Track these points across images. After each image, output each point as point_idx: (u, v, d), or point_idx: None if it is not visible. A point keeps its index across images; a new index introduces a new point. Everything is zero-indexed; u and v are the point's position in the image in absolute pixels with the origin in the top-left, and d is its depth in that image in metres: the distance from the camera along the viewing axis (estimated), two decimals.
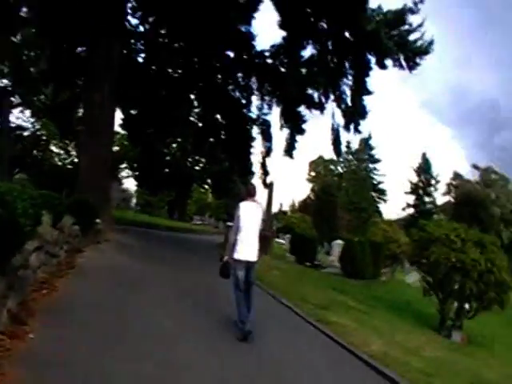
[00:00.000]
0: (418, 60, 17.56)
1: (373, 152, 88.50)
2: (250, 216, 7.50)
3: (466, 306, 14.78)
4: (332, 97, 19.88)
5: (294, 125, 22.10)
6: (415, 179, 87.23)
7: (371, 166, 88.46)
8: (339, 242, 30.21)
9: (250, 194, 7.81)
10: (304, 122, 22.10)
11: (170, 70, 24.20)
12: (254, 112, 24.65)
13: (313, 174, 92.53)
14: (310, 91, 21.22)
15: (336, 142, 19.35)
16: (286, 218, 56.18)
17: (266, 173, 23.81)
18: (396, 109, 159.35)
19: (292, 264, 24.11)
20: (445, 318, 14.88)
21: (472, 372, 8.64)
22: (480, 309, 14.68)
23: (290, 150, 22.54)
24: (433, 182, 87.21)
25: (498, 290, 14.23)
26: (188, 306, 8.95)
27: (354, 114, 18.78)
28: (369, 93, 18.79)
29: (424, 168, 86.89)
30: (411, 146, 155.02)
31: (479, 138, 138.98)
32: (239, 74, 23.71)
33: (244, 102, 24.17)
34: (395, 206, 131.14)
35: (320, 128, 26.78)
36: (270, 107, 23.59)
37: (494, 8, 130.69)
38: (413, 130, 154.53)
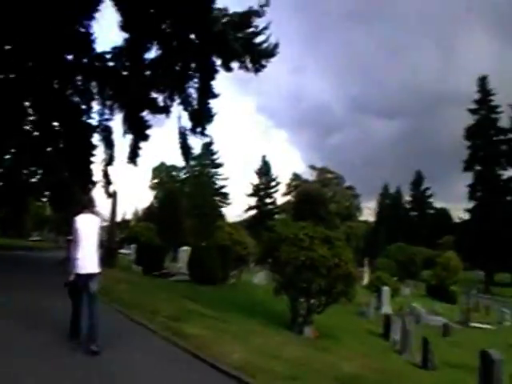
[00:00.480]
0: (263, 62, 17.53)
1: (215, 156, 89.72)
2: (87, 228, 7.48)
3: (313, 301, 15.12)
4: (178, 100, 19.04)
5: (138, 131, 20.97)
6: (256, 181, 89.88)
7: (213, 170, 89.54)
8: (186, 248, 29.82)
9: (85, 206, 7.86)
10: (148, 127, 21.12)
11: (0, 76, 21.72)
12: (94, 118, 23.05)
13: (155, 180, 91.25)
14: (154, 95, 20.23)
15: (184, 146, 18.54)
16: (130, 227, 54.35)
17: (108, 182, 22.48)
18: (235, 113, 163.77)
19: (139, 275, 23.11)
20: (296, 315, 15.09)
21: (333, 367, 8.65)
22: (328, 302, 15.14)
23: (133, 157, 21.43)
24: (273, 183, 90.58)
25: (345, 282, 14.75)
26: (25, 330, 8.08)
27: (201, 117, 18.11)
28: (214, 96, 18.29)
29: (264, 170, 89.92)
30: (252, 150, 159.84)
31: (313, 140, 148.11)
32: (78, 78, 21.92)
33: (84, 107, 22.41)
34: (238, 208, 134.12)
35: (165, 133, 25.76)
36: (111, 113, 22.00)
37: (326, 19, 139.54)
38: (252, 133, 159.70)
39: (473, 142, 79.00)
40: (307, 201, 60.40)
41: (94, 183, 24.09)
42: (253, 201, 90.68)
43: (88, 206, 7.93)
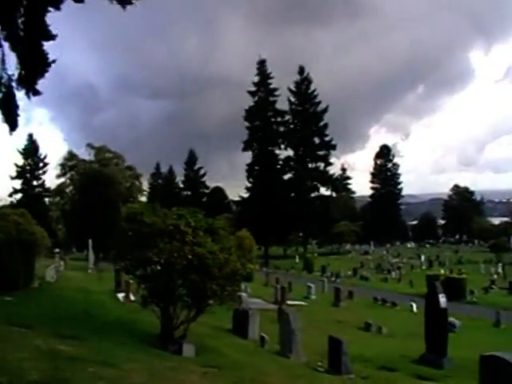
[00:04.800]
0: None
1: None
2: None
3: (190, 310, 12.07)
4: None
5: None
6: (21, 162, 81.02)
7: None
8: None
9: None
10: None
11: None
12: None
13: None
14: None
15: (9, 104, 12.18)
16: None
17: None
18: None
19: None
20: (171, 329, 11.82)
21: None
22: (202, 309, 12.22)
23: None
24: (41, 164, 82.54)
25: (232, 282, 11.94)
26: None
27: (33, 63, 12.04)
28: (50, 37, 12.07)
29: (32, 150, 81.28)
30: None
31: (79, 119, 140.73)
32: None
33: None
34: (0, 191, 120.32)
35: None
36: None
37: None
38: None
39: (252, 122, 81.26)
40: (95, 182, 55.00)
41: None
42: (17, 184, 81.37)
43: None
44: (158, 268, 11.16)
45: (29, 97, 11.75)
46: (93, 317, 14.93)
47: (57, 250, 47.10)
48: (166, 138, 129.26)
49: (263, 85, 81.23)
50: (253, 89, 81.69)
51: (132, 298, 22.91)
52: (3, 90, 11.50)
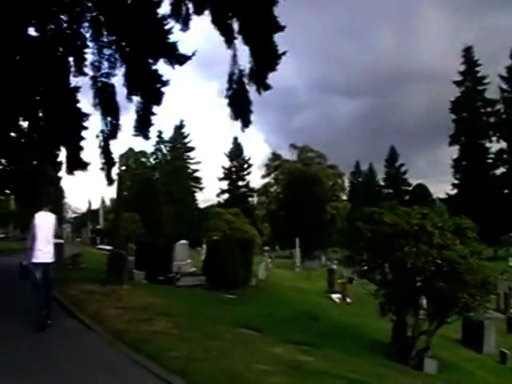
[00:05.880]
0: None
1: (186, 140, 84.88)
2: (42, 224, 8.76)
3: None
4: (236, 29, 11.82)
5: (148, 90, 14.20)
6: (227, 164, 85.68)
7: (186, 154, 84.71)
8: (184, 242, 25.74)
9: (43, 205, 9.20)
10: (163, 84, 14.32)
11: None
12: (87, 74, 15.65)
13: (123, 168, 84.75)
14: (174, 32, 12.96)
15: (243, 100, 11.87)
16: (110, 219, 48.11)
17: (110, 162, 15.73)
18: (200, 97, 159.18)
19: (150, 287, 17.04)
20: (409, 341, 10.55)
21: None
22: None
23: (144, 126, 14.77)
24: (245, 166, 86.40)
25: (483, 290, 10.26)
26: None
27: (265, 56, 11.53)
28: (279, 28, 11.46)
29: (237, 153, 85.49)
30: (217, 133, 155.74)
31: (278, 121, 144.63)
32: (63, 18, 14.94)
33: (73, 59, 14.99)
34: (208, 193, 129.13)
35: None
36: (112, 65, 15.09)
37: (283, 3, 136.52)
38: (216, 116, 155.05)
39: (458, 114, 76.01)
40: (301, 181, 55.59)
41: (84, 165, 17.01)
42: (224, 184, 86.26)
43: (45, 205, 9.20)
44: (399, 273, 10.00)
45: (259, 92, 11.35)
46: (316, 320, 14.37)
47: (266, 248, 48.40)
48: (364, 135, 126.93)
49: (470, 73, 75.18)
50: (458, 78, 76.16)
51: (348, 300, 22.12)
52: (234, 86, 11.21)
